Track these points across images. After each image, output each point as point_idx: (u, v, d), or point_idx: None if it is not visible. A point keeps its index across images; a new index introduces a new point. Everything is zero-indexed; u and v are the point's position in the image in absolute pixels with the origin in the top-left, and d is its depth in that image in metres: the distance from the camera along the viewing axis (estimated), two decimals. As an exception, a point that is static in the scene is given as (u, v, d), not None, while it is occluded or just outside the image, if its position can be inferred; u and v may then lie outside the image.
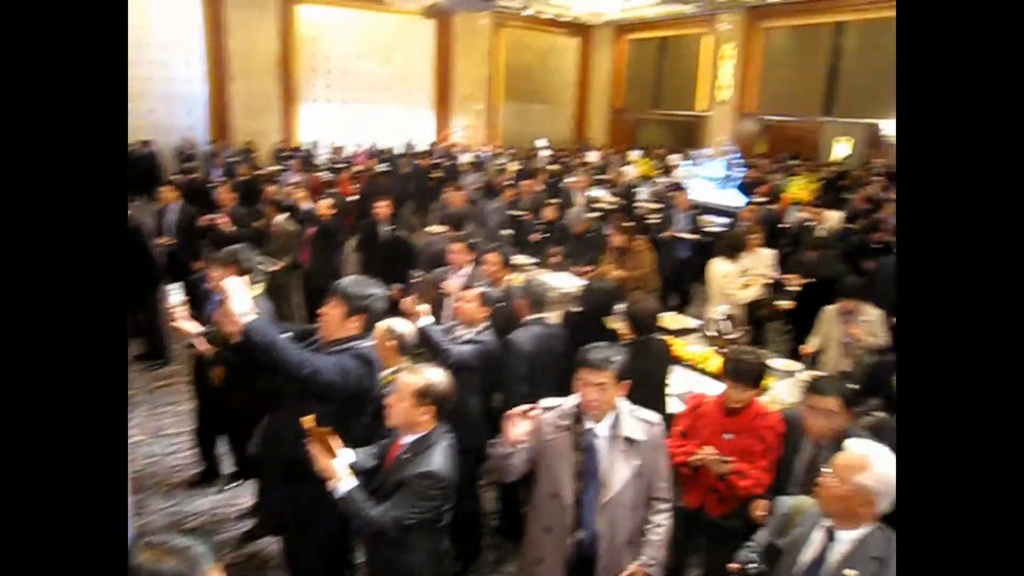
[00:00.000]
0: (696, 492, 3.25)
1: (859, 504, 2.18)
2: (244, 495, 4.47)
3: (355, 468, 2.58)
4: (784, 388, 4.60)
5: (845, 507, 2.19)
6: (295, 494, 2.94)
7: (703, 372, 4.77)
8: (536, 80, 21.90)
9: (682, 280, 7.97)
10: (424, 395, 2.56)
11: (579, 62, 22.32)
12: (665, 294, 7.72)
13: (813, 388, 3.02)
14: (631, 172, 13.22)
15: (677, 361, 4.75)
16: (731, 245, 5.86)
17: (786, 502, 2.46)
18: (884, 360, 3.52)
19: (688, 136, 21.39)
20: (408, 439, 2.63)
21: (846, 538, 2.22)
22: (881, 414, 3.46)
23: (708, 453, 3.04)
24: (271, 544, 3.95)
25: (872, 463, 2.18)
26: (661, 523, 2.77)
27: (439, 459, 2.55)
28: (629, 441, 2.71)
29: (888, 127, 15.62)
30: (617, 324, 4.32)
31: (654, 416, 2.83)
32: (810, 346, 5.07)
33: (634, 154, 16.02)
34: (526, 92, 21.62)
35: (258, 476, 3.91)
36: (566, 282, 5.23)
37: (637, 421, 2.76)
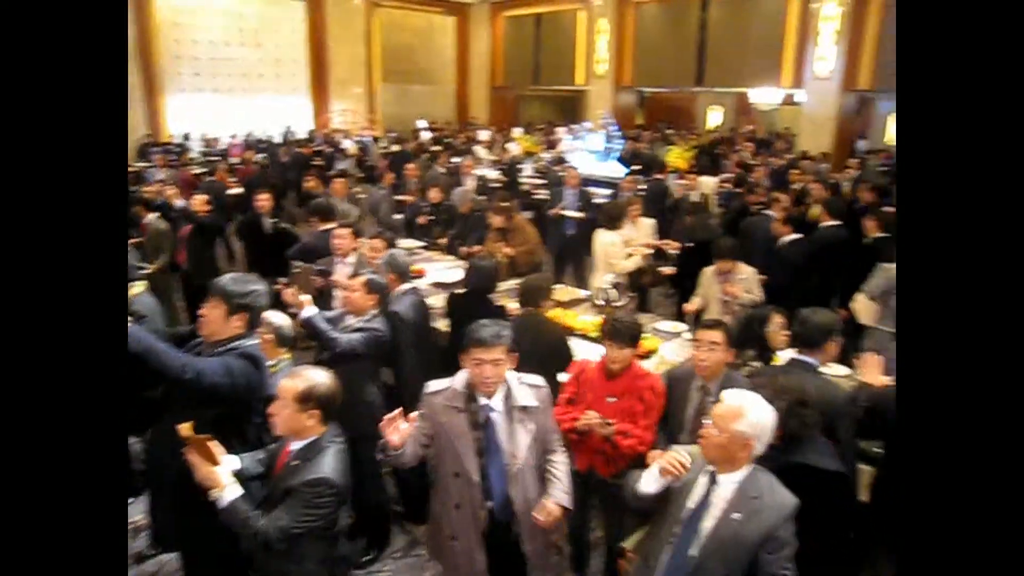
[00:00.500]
0: (585, 455, 3.38)
1: (738, 449, 2.33)
2: (136, 512, 4.24)
3: (241, 476, 2.48)
4: (671, 348, 4.82)
5: (726, 454, 2.34)
6: (185, 508, 2.82)
7: (595, 340, 4.90)
8: (415, 60, 21.61)
9: (573, 254, 8.12)
10: (307, 399, 2.46)
11: (457, 41, 22.19)
12: (558, 269, 7.90)
13: (701, 325, 3.34)
14: (514, 149, 13.33)
15: (570, 332, 4.86)
16: (611, 216, 6.04)
17: (679, 451, 2.56)
18: (755, 313, 3.74)
19: (569, 110, 21.79)
20: (296, 445, 2.54)
21: (727, 481, 2.37)
22: (756, 363, 3.69)
23: (591, 417, 3.16)
24: (170, 560, 3.77)
25: (747, 411, 2.34)
26: (559, 461, 2.89)
27: (329, 465, 2.45)
28: (524, 409, 2.78)
29: (754, 95, 16.46)
30: (504, 300, 4.38)
31: (539, 380, 2.91)
32: (692, 305, 5.32)
33: (516, 131, 16.16)
34: (405, 73, 21.30)
35: (147, 490, 3.73)
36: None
37: (527, 388, 2.83)
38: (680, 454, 2.42)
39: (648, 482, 2.43)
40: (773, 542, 2.32)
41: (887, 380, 3.12)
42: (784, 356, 3.53)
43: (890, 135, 17.55)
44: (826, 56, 13.53)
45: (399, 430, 2.63)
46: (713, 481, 2.38)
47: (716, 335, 3.19)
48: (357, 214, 7.42)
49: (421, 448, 2.81)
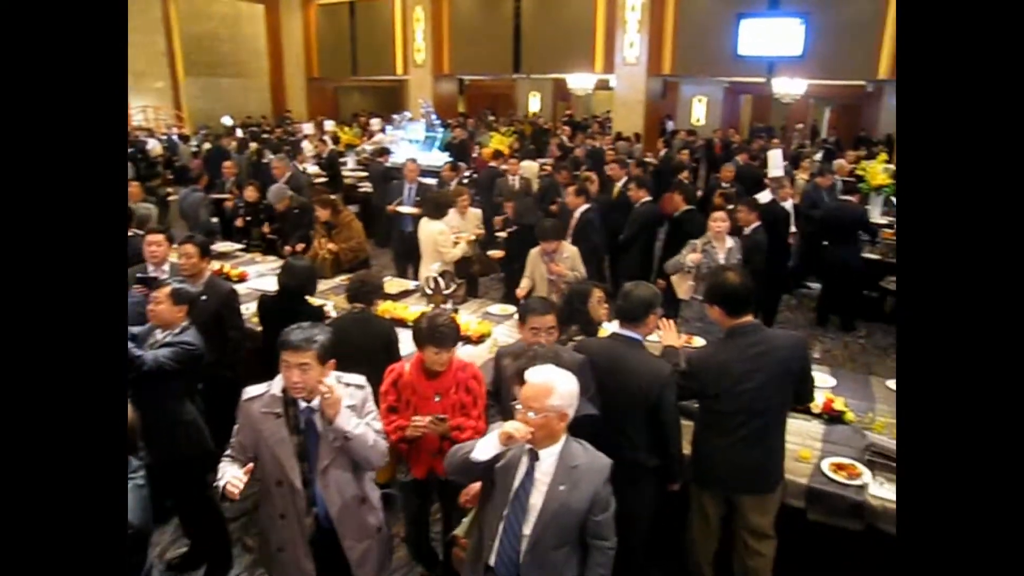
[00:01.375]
0: (421, 462, 3.28)
1: (557, 423, 2.39)
2: None
3: None
4: (503, 331, 4.90)
5: (549, 431, 2.38)
6: None
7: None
8: (222, 51, 20.30)
9: (415, 252, 7.80)
10: None
11: (268, 30, 21.08)
12: (400, 268, 7.63)
13: (530, 310, 3.25)
14: (331, 142, 12.92)
15: (401, 324, 4.79)
16: (437, 205, 6.01)
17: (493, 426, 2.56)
18: (577, 289, 3.86)
19: (390, 101, 21.47)
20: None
21: (547, 455, 2.42)
22: (580, 337, 3.82)
23: (421, 421, 3.06)
24: None
25: (556, 384, 2.39)
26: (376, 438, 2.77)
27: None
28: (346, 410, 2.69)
29: (571, 80, 17.08)
30: (319, 301, 4.21)
31: (360, 379, 2.82)
32: (522, 288, 5.42)
33: (328, 123, 15.61)
34: (213, 65, 19.96)
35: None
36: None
37: (347, 389, 2.73)
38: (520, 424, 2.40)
39: (484, 449, 2.38)
40: (598, 504, 2.43)
41: (682, 341, 3.37)
42: (608, 329, 3.66)
43: (696, 116, 18.93)
44: (633, 42, 14.32)
45: (235, 483, 2.49)
46: (535, 458, 2.42)
47: (551, 320, 3.19)
48: (155, 216, 6.82)
49: (241, 462, 2.64)
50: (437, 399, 3.16)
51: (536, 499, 2.40)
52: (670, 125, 17.35)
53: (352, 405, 2.71)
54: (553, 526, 2.40)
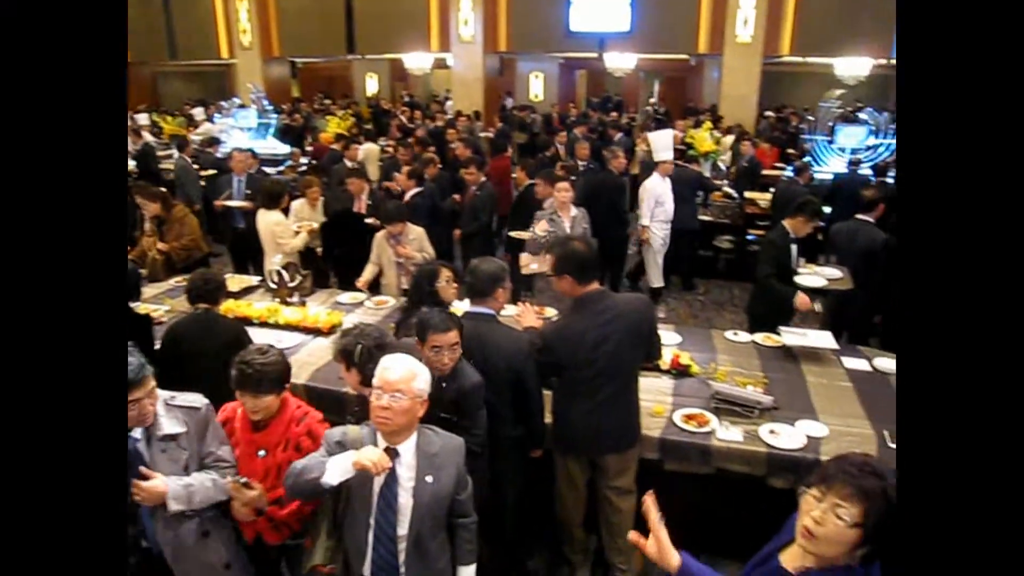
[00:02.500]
0: (247, 524, 2.70)
1: (419, 409, 2.32)
2: None
3: None
4: (353, 320, 4.75)
5: (411, 417, 2.30)
6: None
7: (277, 326, 4.63)
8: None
9: (250, 249, 7.19)
10: None
11: (67, 12, 19.01)
12: (237, 266, 7.09)
13: (430, 326, 2.80)
14: (147, 136, 11.91)
15: (248, 322, 4.52)
16: (271, 195, 5.66)
17: (334, 434, 2.42)
18: (424, 270, 3.78)
19: (217, 86, 20.14)
20: None
21: (406, 449, 2.34)
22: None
23: (232, 486, 2.51)
24: None
25: (418, 369, 2.34)
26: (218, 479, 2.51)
27: None
28: (171, 438, 2.45)
29: (408, 60, 16.76)
30: (167, 302, 3.86)
31: (196, 399, 2.56)
32: (365, 276, 5.23)
33: (140, 117, 14.23)
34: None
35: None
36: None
37: (177, 412, 2.49)
38: (375, 452, 2.24)
39: (335, 474, 2.22)
40: (460, 483, 2.42)
41: (540, 322, 3.42)
42: (460, 308, 3.62)
43: (534, 92, 19.24)
44: (468, 20, 14.27)
45: None
46: (394, 455, 2.31)
47: (455, 336, 2.80)
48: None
49: None
50: (261, 454, 2.67)
51: (404, 498, 2.32)
52: (509, 102, 17.54)
53: (182, 433, 2.47)
54: (428, 519, 2.34)
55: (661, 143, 7.14)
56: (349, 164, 7.92)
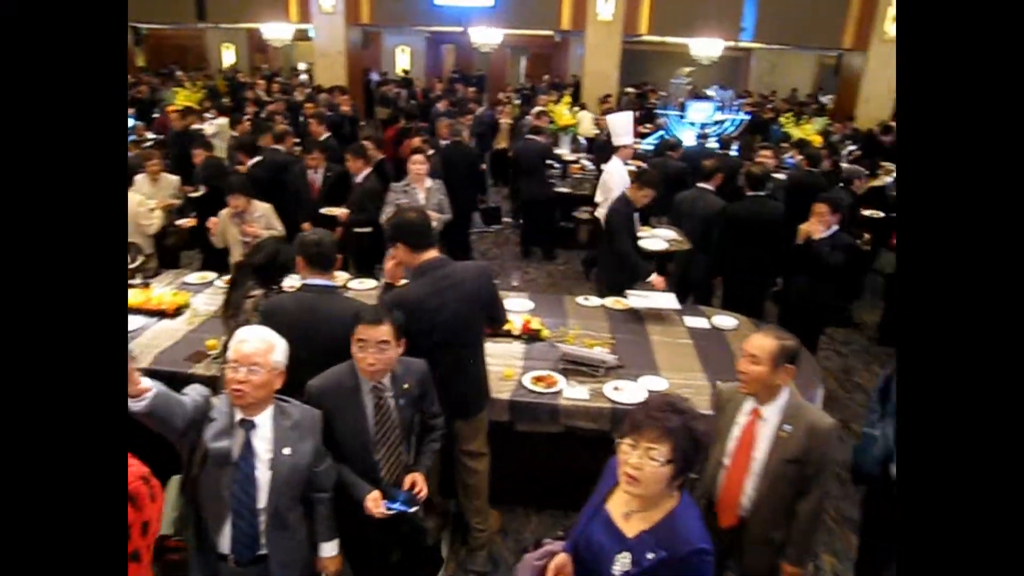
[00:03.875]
0: None
1: (277, 380, 2.31)
2: None
3: None
4: (202, 300, 4.54)
5: (269, 389, 2.30)
6: None
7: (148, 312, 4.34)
8: None
9: None
10: None
11: None
12: None
13: (364, 319, 2.59)
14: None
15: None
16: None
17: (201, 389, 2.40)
18: (271, 245, 3.65)
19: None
20: None
21: (263, 420, 2.31)
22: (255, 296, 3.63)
23: None
24: None
25: (275, 340, 2.33)
26: None
27: None
28: None
29: (266, 31, 15.97)
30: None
31: None
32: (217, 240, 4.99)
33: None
34: None
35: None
36: None
37: None
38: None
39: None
40: (317, 454, 2.41)
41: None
42: (296, 281, 3.49)
43: (401, 66, 18.90)
44: (325, -10, 13.76)
45: None
46: (251, 427, 2.29)
47: (387, 331, 2.59)
48: None
49: None
50: None
51: (263, 471, 2.29)
52: (375, 76, 17.16)
53: None
54: (287, 492, 2.33)
55: (620, 127, 6.91)
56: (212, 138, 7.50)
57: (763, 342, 2.45)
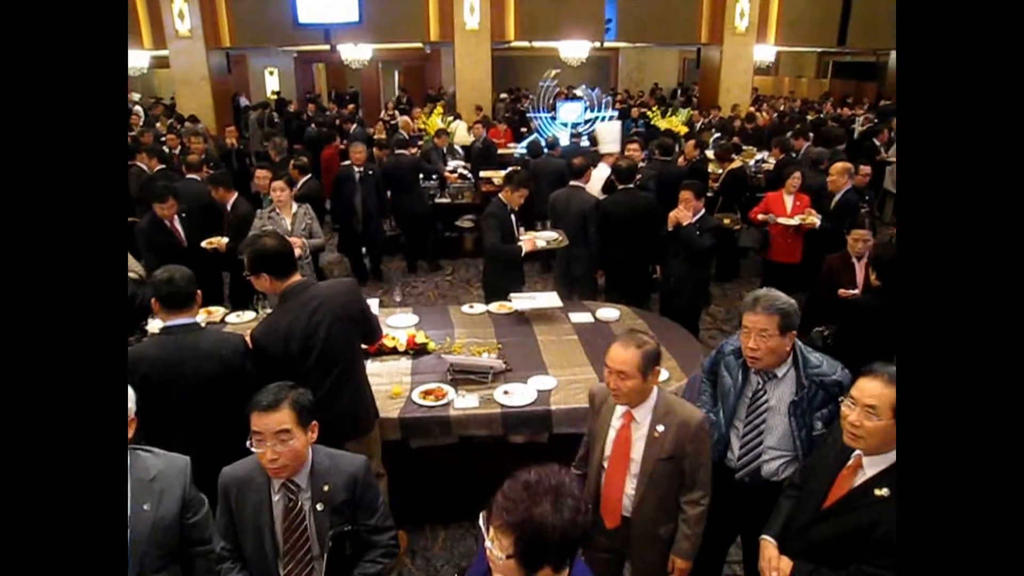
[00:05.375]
0: None
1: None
2: None
3: None
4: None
5: None
6: None
7: None
8: None
9: None
10: None
11: None
12: None
13: (256, 406, 2.30)
14: None
15: None
16: None
17: None
18: (134, 290, 3.46)
19: None
20: None
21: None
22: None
23: None
24: None
25: None
26: None
27: None
28: None
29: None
30: None
31: None
32: None
33: None
34: None
35: None
36: None
37: None
38: None
39: None
40: (188, 506, 2.23)
41: None
42: (156, 325, 3.29)
43: (271, 88, 18.32)
44: (183, 13, 13.16)
45: None
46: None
47: (285, 417, 2.27)
48: None
49: None
50: None
51: None
52: (244, 101, 16.59)
53: None
54: (154, 552, 2.11)
55: (608, 135, 6.98)
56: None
57: (626, 355, 2.43)
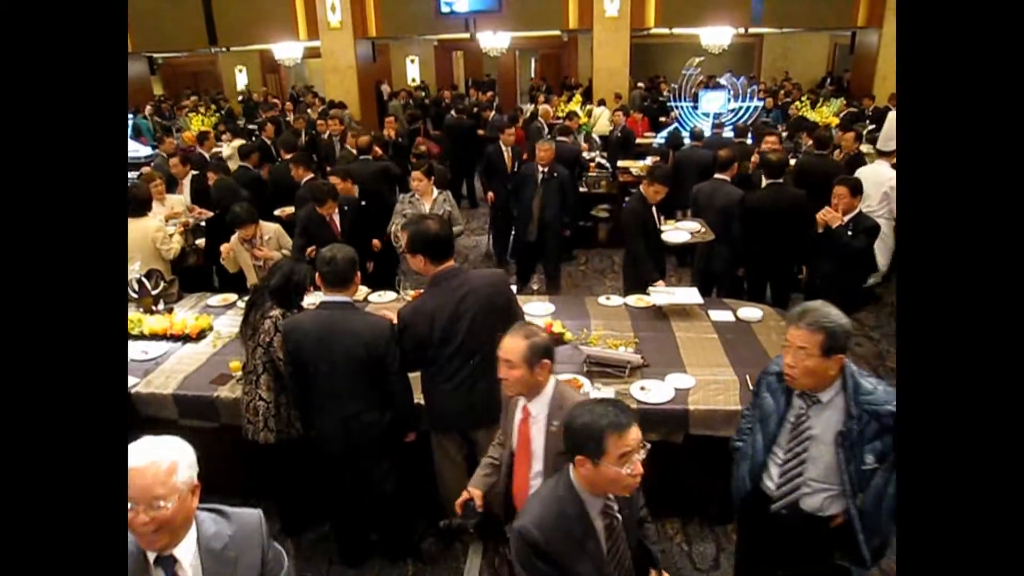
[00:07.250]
0: None
1: (191, 498, 1.75)
2: None
3: None
4: (225, 321, 4.58)
5: (182, 519, 1.76)
6: None
7: (143, 336, 4.38)
8: None
9: None
10: None
11: None
12: None
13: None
14: None
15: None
16: (139, 201, 5.26)
17: None
18: (286, 266, 3.66)
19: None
20: None
21: (184, 552, 1.80)
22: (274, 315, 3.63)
23: None
24: None
25: (176, 453, 1.77)
26: None
27: None
28: None
29: (278, 51, 16.13)
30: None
31: None
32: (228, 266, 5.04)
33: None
34: None
35: None
36: None
37: None
38: None
39: None
40: (269, 564, 1.97)
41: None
42: (316, 298, 3.49)
43: (412, 76, 18.94)
44: (335, 6, 13.85)
45: None
46: (170, 564, 1.78)
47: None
48: None
49: None
50: None
51: None
52: (386, 89, 17.24)
53: None
54: None
55: (891, 131, 6.57)
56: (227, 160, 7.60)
57: (512, 344, 2.39)
